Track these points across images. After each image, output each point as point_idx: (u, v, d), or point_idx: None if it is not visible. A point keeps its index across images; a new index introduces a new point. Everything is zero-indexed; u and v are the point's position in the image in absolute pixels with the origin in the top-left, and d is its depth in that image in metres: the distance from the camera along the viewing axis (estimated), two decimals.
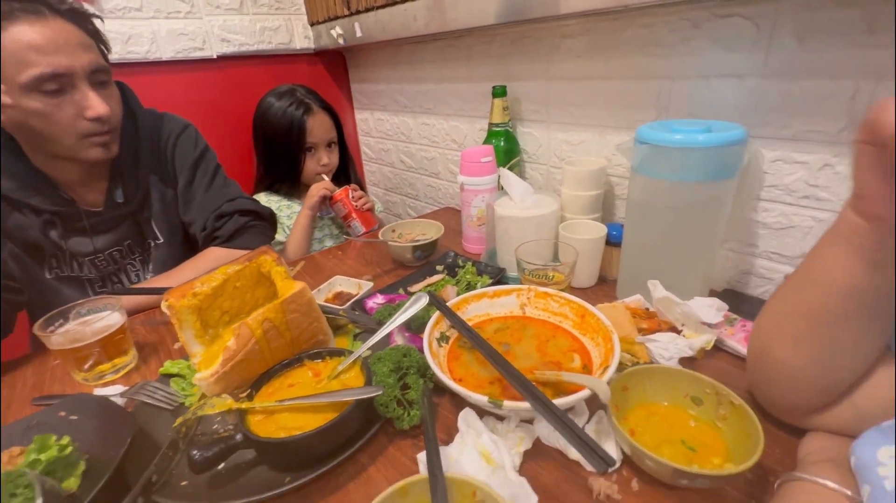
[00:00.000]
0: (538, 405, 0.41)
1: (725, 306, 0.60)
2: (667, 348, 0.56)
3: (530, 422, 0.48)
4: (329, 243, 1.20)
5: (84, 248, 0.84)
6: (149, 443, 0.48)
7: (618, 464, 0.44)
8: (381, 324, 0.60)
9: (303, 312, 0.54)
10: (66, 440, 0.44)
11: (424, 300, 0.57)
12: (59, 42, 0.67)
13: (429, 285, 0.80)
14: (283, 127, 1.09)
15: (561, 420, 0.39)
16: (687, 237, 0.62)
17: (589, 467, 0.44)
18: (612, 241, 0.77)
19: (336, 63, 1.48)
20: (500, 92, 0.93)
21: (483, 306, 0.62)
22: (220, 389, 0.49)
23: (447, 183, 1.30)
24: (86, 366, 0.62)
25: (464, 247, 0.97)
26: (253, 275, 0.62)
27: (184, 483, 0.44)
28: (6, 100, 0.67)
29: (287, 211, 1.15)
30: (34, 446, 0.43)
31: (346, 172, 1.27)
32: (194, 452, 0.42)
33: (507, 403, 0.42)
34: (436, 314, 0.57)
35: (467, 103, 1.12)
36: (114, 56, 0.90)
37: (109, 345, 0.63)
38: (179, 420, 0.48)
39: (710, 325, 0.60)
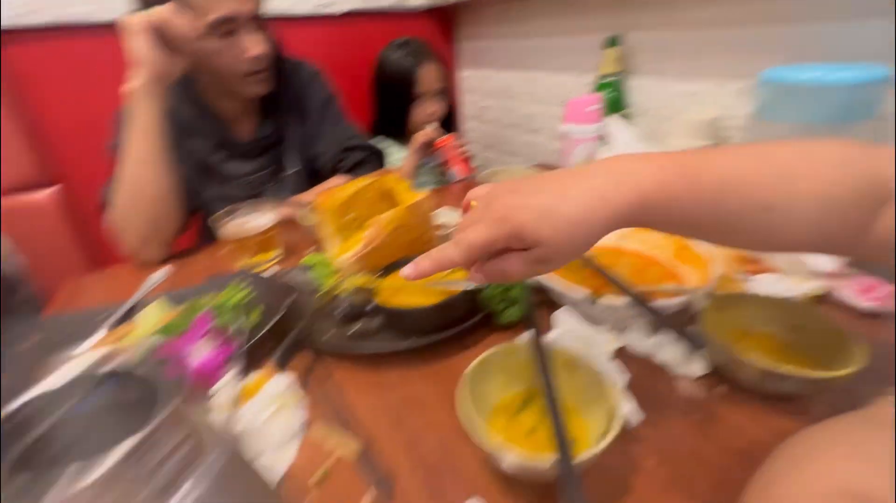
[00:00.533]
0: (635, 299, 0.45)
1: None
2: (767, 289, 0.57)
3: (621, 330, 0.53)
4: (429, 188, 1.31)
5: (237, 171, 1.02)
6: (298, 310, 0.61)
7: (706, 371, 0.47)
8: None
9: (423, 218, 0.63)
10: (248, 290, 0.58)
11: None
12: None
13: None
14: (397, 75, 1.21)
15: (654, 310, 0.44)
16: None
17: (676, 370, 0.48)
18: None
19: (446, 20, 1.55)
20: (613, 42, 0.93)
21: None
22: (356, 269, 0.60)
23: (546, 139, 1.32)
24: (247, 255, 0.77)
25: None
26: (378, 190, 0.72)
27: (324, 337, 0.56)
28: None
29: (396, 155, 1.26)
30: (228, 291, 0.57)
31: (448, 124, 1.35)
32: (338, 310, 0.53)
33: (604, 299, 0.47)
34: None
35: (576, 57, 1.13)
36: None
37: (264, 241, 0.78)
38: (324, 289, 0.60)
39: (822, 275, 0.59)
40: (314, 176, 1.12)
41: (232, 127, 0.98)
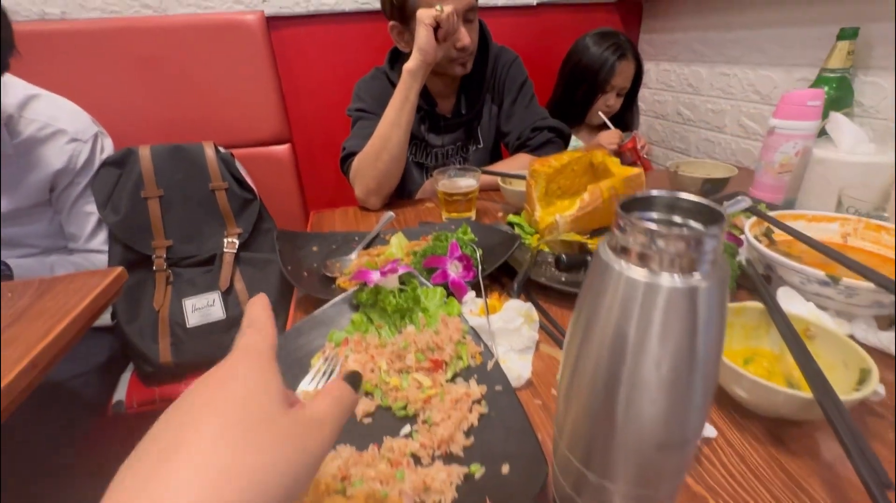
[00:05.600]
0: (889, 284, 0.45)
1: None
2: None
3: (847, 319, 0.52)
4: None
5: (434, 141, 1.17)
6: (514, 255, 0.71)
7: None
8: None
9: (636, 190, 0.68)
10: (471, 233, 0.70)
11: (745, 202, 0.64)
12: None
13: None
14: (595, 65, 1.23)
15: None
16: None
17: None
18: None
19: (632, 13, 1.54)
20: (849, 34, 0.86)
21: (797, 227, 0.66)
22: (569, 228, 0.67)
23: (730, 137, 1.26)
24: (451, 210, 0.91)
25: (751, 193, 0.97)
26: (585, 163, 0.78)
27: (542, 279, 0.64)
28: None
29: (573, 143, 1.32)
30: (460, 231, 0.69)
31: (625, 119, 1.35)
32: (563, 257, 0.61)
33: (848, 280, 0.48)
34: (753, 218, 0.64)
35: (790, 50, 1.06)
36: None
37: (466, 200, 0.90)
38: (537, 243, 0.69)
39: None
40: (496, 153, 1.24)
41: (437, 103, 1.13)
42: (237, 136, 1.32)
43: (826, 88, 0.90)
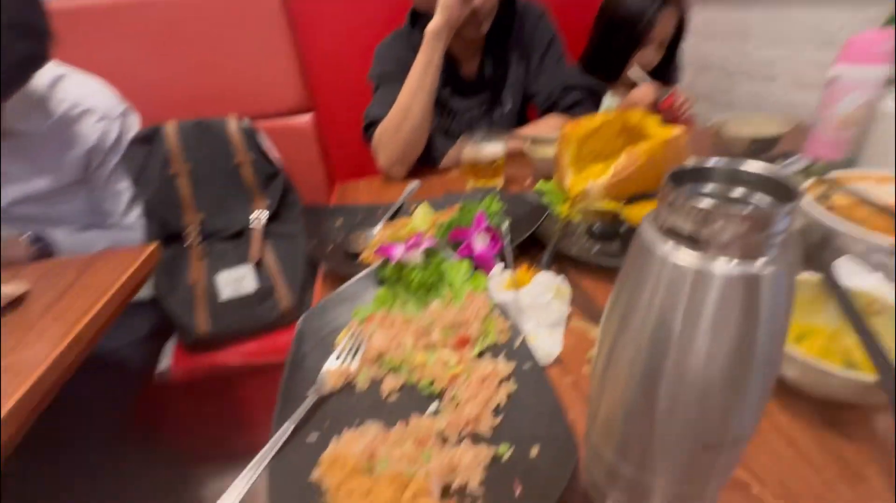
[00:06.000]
0: None
1: None
2: None
3: None
4: None
5: (457, 105, 1.12)
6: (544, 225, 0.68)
7: None
8: None
9: (676, 154, 0.63)
10: (499, 203, 0.67)
11: (803, 162, 0.58)
12: None
13: None
14: (634, 16, 1.11)
15: None
16: None
17: None
18: None
19: None
20: None
21: (862, 189, 0.59)
22: (603, 196, 0.63)
23: (783, 89, 1.15)
24: (476, 178, 0.87)
25: (806, 151, 0.89)
26: (619, 125, 0.73)
27: (573, 250, 0.61)
28: None
29: (606, 102, 1.23)
30: (488, 201, 0.66)
31: (666, 73, 1.25)
32: (597, 226, 0.58)
33: None
34: (811, 180, 0.58)
35: None
36: None
37: (493, 167, 0.86)
38: (569, 211, 0.65)
39: None
40: (523, 116, 1.18)
41: (459, 65, 1.08)
42: (259, 108, 1.31)
43: None
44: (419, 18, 1.04)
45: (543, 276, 0.52)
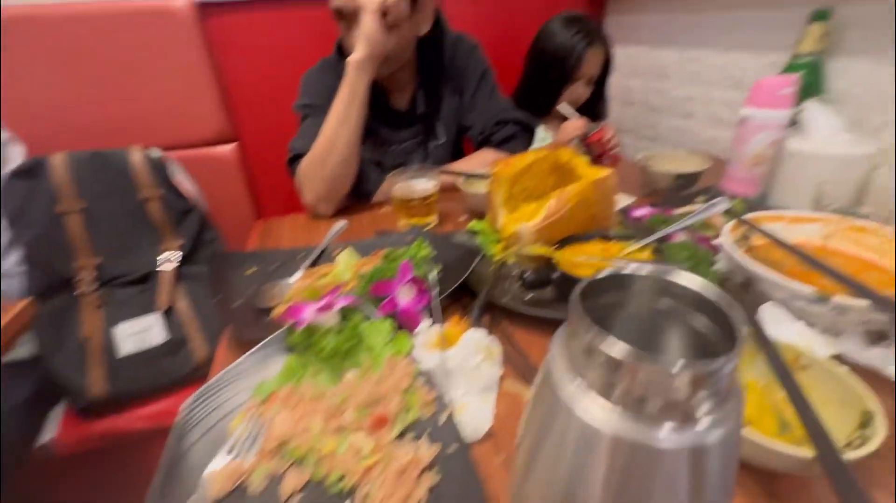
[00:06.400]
0: (887, 305, 0.41)
1: None
2: None
3: (835, 335, 0.48)
4: None
5: (390, 137, 1.08)
6: (477, 271, 0.64)
7: None
8: (651, 230, 0.65)
9: (605, 195, 0.62)
10: (428, 248, 0.62)
11: (724, 205, 0.59)
12: None
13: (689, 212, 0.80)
14: (562, 53, 1.14)
15: None
16: None
17: None
18: None
19: None
20: (822, 15, 0.81)
21: (777, 229, 0.61)
22: (535, 239, 0.61)
23: (701, 125, 1.22)
24: (408, 216, 0.83)
25: (723, 186, 0.93)
26: (550, 163, 0.72)
27: (504, 298, 0.58)
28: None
29: (539, 135, 1.24)
30: (415, 247, 0.61)
31: (595, 108, 1.29)
32: (527, 274, 0.54)
33: (839, 298, 0.43)
34: (731, 222, 0.59)
35: (760, 34, 1.01)
36: None
37: (425, 205, 0.82)
38: (501, 256, 0.62)
39: None
40: (459, 148, 1.16)
41: (390, 96, 1.04)
42: (173, 137, 1.20)
43: (798, 74, 0.86)
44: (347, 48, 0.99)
45: (473, 335, 0.47)
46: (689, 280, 0.14)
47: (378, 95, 1.01)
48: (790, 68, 0.88)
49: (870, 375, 0.45)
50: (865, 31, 0.82)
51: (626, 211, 0.78)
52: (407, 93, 1.05)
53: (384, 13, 0.79)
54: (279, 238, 0.85)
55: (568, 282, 0.54)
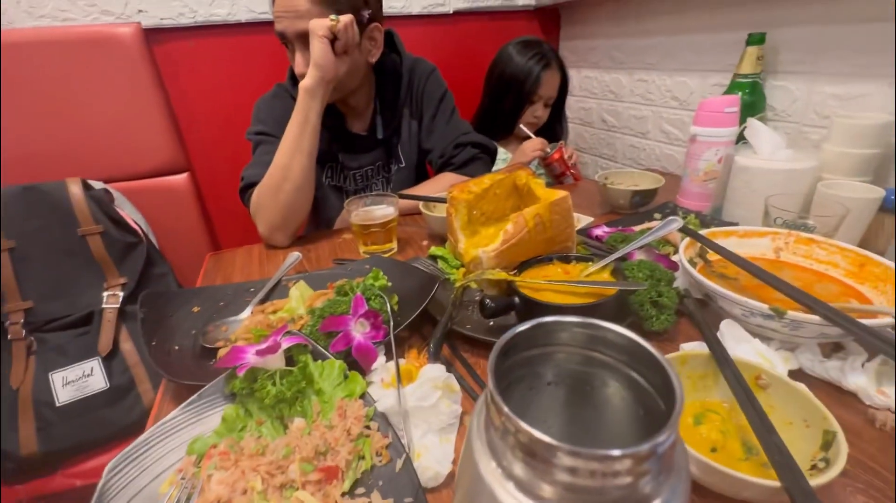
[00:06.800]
0: (838, 318, 0.41)
1: None
2: None
3: (791, 349, 0.48)
4: None
5: (350, 163, 1.06)
6: (436, 299, 0.62)
7: None
8: (611, 249, 0.65)
9: (563, 216, 0.61)
10: (385, 277, 0.60)
11: (677, 224, 0.59)
12: (284, 9, 0.80)
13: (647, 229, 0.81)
14: (520, 76, 1.17)
15: (869, 330, 0.39)
16: None
17: (868, 401, 0.43)
18: (888, 207, 0.68)
19: (551, 20, 1.52)
20: (757, 39, 0.86)
21: (730, 244, 0.62)
22: (494, 264, 0.59)
23: (654, 143, 1.26)
24: (368, 242, 0.80)
25: (678, 202, 0.95)
26: (508, 186, 0.71)
27: (466, 326, 0.56)
28: None
29: (502, 156, 1.25)
30: (371, 277, 0.59)
31: (554, 129, 1.31)
32: (487, 301, 0.52)
33: (793, 314, 0.43)
34: (686, 239, 0.59)
35: (703, 56, 1.06)
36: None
37: (384, 231, 0.80)
38: (462, 282, 0.60)
39: None
40: (422, 171, 1.15)
41: (349, 121, 1.03)
42: (121, 168, 1.14)
43: (740, 94, 0.90)
44: None
45: (430, 370, 0.44)
46: (614, 328, 0.13)
47: (336, 120, 1.00)
48: (732, 88, 0.92)
49: (828, 388, 0.46)
50: (797, 52, 0.87)
51: (585, 231, 0.78)
52: (365, 117, 1.04)
53: (333, 38, 0.77)
54: (231, 272, 0.81)
55: (530, 306, 0.53)
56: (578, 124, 1.56)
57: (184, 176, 1.23)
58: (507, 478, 0.11)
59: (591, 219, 0.84)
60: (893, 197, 0.67)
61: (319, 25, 0.76)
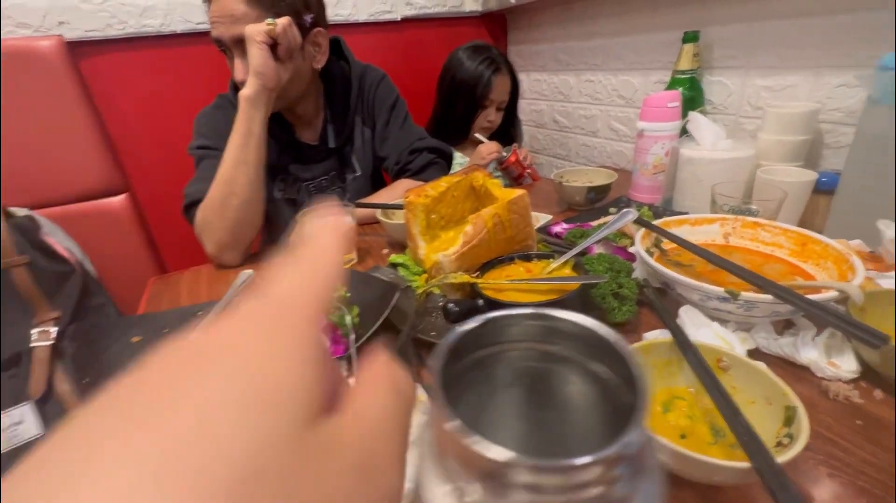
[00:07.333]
0: (786, 295, 0.42)
1: None
2: None
3: (747, 329, 0.49)
4: None
5: (302, 175, 1.02)
6: (399, 307, 0.60)
7: (857, 375, 0.43)
8: (571, 244, 0.66)
9: (521, 215, 0.61)
10: (344, 289, 0.57)
11: (632, 215, 0.60)
12: (220, 14, 0.76)
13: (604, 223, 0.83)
14: (471, 81, 1.18)
15: (816, 305, 0.40)
16: None
17: (821, 373, 0.44)
18: (821, 189, 0.72)
19: (497, 25, 1.55)
20: (691, 37, 0.90)
21: (683, 232, 0.64)
22: (455, 268, 0.58)
23: (605, 141, 1.29)
24: None
25: (631, 195, 0.98)
26: (466, 188, 0.70)
27: (431, 333, 0.54)
28: None
29: (459, 160, 1.25)
30: None
31: (509, 132, 1.33)
32: (451, 306, 0.51)
33: (746, 294, 0.44)
34: (642, 230, 0.60)
35: (644, 55, 1.10)
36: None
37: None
38: (424, 288, 0.58)
39: None
40: (378, 179, 1.13)
41: (298, 130, 0.99)
42: (49, 193, 1.05)
43: (680, 89, 0.94)
44: None
45: None
46: (572, 316, 0.12)
47: (284, 130, 0.96)
48: (672, 84, 0.96)
49: (783, 364, 0.47)
50: (730, 49, 0.92)
51: (545, 229, 0.79)
52: (315, 126, 1.01)
53: (274, 44, 0.74)
54: (177, 296, 0.76)
55: (494, 307, 0.52)
56: (532, 126, 1.59)
57: (121, 197, 1.15)
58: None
59: (550, 216, 0.85)
60: (825, 179, 0.72)
61: (256, 31, 0.72)
